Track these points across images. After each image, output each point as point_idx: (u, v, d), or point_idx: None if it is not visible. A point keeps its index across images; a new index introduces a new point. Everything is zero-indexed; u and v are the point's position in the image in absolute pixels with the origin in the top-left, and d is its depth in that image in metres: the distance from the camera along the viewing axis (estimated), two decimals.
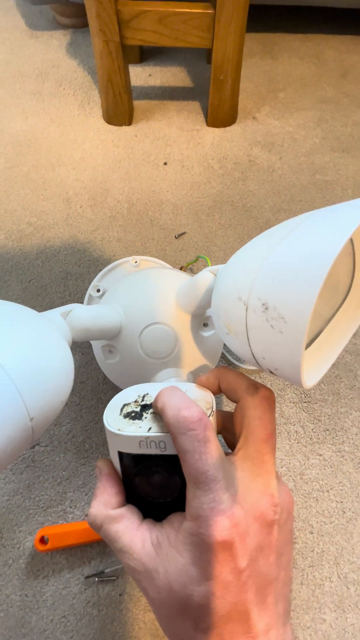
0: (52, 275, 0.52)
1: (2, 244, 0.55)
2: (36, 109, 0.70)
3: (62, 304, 0.38)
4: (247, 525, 0.17)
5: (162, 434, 0.19)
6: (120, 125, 0.67)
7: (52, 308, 0.30)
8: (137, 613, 0.36)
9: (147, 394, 0.22)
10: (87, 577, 0.37)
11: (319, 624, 0.36)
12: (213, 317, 0.26)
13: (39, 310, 0.26)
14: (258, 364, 0.21)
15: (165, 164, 0.64)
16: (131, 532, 0.19)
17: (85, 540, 0.37)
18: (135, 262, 0.44)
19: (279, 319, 0.17)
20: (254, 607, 0.17)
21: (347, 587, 0.38)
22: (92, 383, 0.46)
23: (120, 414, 0.21)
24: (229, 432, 0.24)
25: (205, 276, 0.29)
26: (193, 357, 0.35)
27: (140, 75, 0.76)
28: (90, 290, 0.44)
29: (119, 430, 0.20)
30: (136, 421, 0.20)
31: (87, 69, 0.77)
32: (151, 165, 0.63)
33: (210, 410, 0.21)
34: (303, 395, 0.46)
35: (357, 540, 0.39)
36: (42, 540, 0.36)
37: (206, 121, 0.69)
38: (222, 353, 0.46)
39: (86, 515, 0.39)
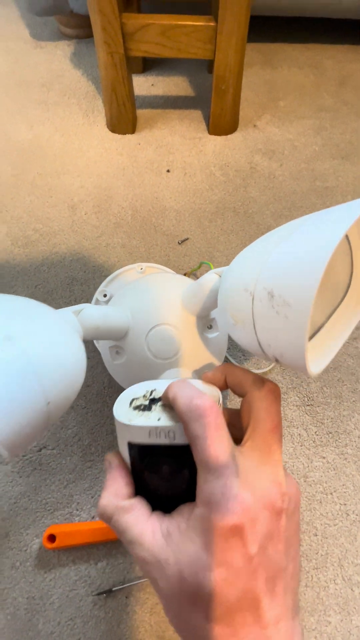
0: (58, 281, 0.53)
1: (8, 249, 0.56)
2: (41, 117, 0.71)
3: None
4: (257, 511, 0.18)
5: (171, 423, 0.20)
6: (124, 133, 0.69)
7: None
8: (143, 615, 0.37)
9: (155, 389, 0.23)
10: (97, 594, 0.37)
11: (324, 626, 0.37)
12: (219, 312, 0.27)
13: None
14: (264, 352, 0.22)
15: (168, 171, 0.65)
16: (141, 523, 0.19)
17: (92, 540, 0.37)
18: (141, 268, 0.45)
19: (284, 305, 0.19)
20: (264, 596, 0.17)
21: (352, 589, 0.38)
22: (98, 387, 0.46)
23: (130, 407, 0.22)
24: (235, 427, 0.24)
25: (210, 277, 0.31)
26: (198, 358, 0.36)
27: (143, 84, 0.78)
28: (97, 295, 0.45)
29: (129, 420, 0.20)
30: (145, 412, 0.21)
31: (91, 79, 0.78)
32: (154, 172, 0.65)
33: (217, 404, 0.21)
34: (306, 399, 0.47)
35: None
36: (50, 538, 0.37)
37: (208, 129, 0.70)
38: (225, 357, 0.47)
39: (93, 517, 0.40)
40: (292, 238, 0.20)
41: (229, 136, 0.70)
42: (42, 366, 0.20)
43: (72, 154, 0.66)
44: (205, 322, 0.36)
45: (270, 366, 0.48)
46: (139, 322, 0.35)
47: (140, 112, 0.72)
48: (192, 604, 0.17)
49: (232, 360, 0.47)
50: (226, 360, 0.48)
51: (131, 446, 0.21)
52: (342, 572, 0.39)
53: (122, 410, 0.21)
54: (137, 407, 0.21)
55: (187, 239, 0.57)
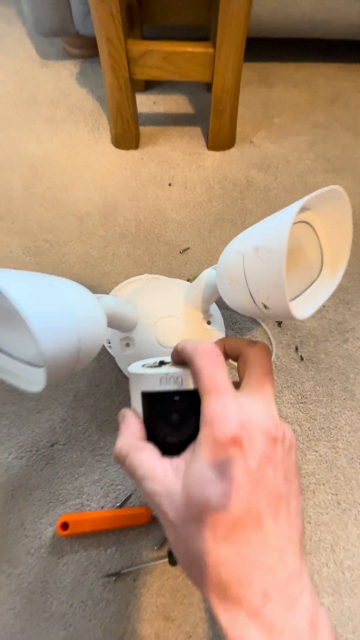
0: None
1: (20, 258, 0.59)
2: (50, 134, 0.75)
3: None
4: (253, 431, 0.19)
5: (180, 370, 0.23)
6: (128, 149, 0.73)
7: None
8: (150, 597, 0.39)
9: (162, 360, 0.26)
10: (106, 576, 0.40)
11: None
12: (218, 283, 0.34)
13: None
14: (254, 301, 0.28)
15: (169, 184, 0.69)
16: (154, 461, 0.20)
17: (102, 527, 0.40)
18: (148, 279, 0.50)
19: (266, 252, 0.26)
20: (267, 517, 0.18)
21: (343, 573, 0.41)
22: (106, 386, 0.49)
23: (142, 367, 0.25)
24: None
25: (209, 272, 0.38)
26: None
27: (146, 102, 0.82)
28: None
29: (142, 371, 0.23)
30: (155, 368, 0.24)
31: (96, 97, 0.83)
32: (157, 186, 0.69)
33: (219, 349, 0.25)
34: (300, 397, 0.50)
35: (352, 530, 0.43)
36: (63, 526, 0.40)
37: (207, 145, 0.74)
38: None
39: (102, 507, 0.43)
40: (267, 218, 0.29)
41: (226, 152, 0.74)
42: (76, 308, 0.26)
43: (79, 169, 0.70)
44: (205, 317, 0.42)
45: None
46: (148, 314, 0.41)
47: (143, 129, 0.77)
48: (200, 525, 0.18)
49: None
50: None
51: (143, 395, 0.23)
52: (334, 556, 0.42)
53: (136, 367, 0.25)
54: (149, 366, 0.25)
55: (188, 248, 0.61)
